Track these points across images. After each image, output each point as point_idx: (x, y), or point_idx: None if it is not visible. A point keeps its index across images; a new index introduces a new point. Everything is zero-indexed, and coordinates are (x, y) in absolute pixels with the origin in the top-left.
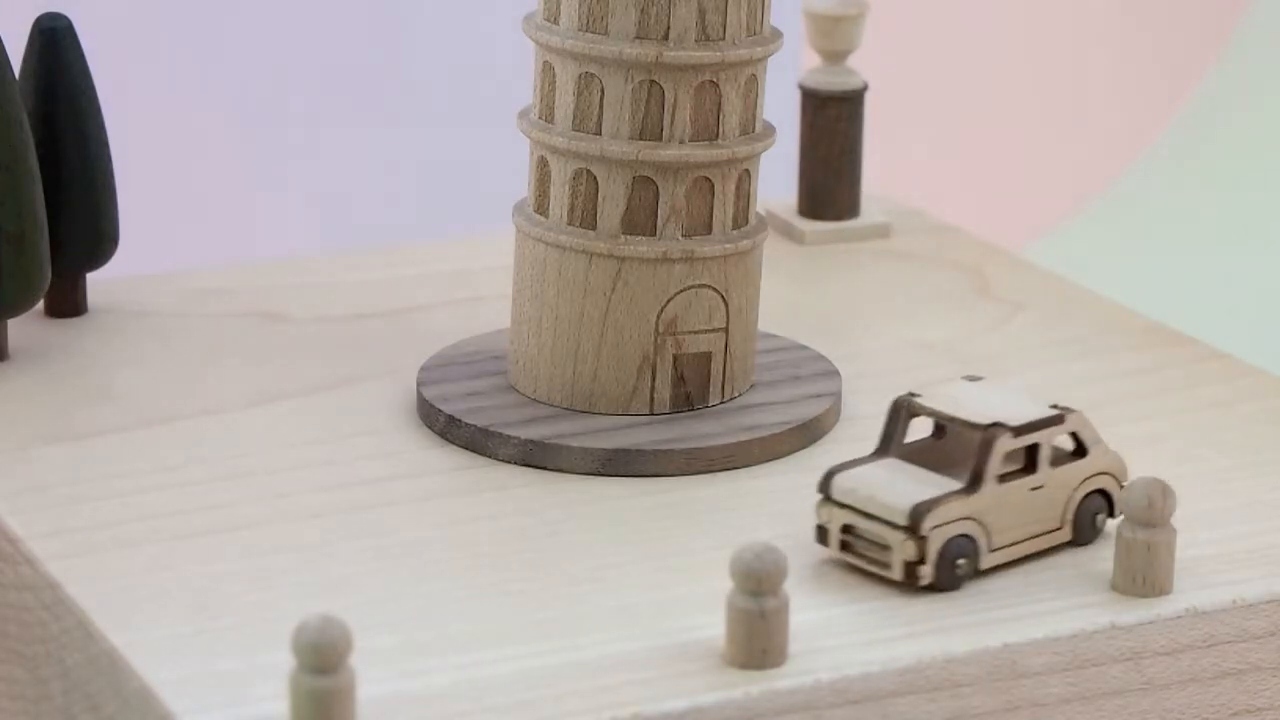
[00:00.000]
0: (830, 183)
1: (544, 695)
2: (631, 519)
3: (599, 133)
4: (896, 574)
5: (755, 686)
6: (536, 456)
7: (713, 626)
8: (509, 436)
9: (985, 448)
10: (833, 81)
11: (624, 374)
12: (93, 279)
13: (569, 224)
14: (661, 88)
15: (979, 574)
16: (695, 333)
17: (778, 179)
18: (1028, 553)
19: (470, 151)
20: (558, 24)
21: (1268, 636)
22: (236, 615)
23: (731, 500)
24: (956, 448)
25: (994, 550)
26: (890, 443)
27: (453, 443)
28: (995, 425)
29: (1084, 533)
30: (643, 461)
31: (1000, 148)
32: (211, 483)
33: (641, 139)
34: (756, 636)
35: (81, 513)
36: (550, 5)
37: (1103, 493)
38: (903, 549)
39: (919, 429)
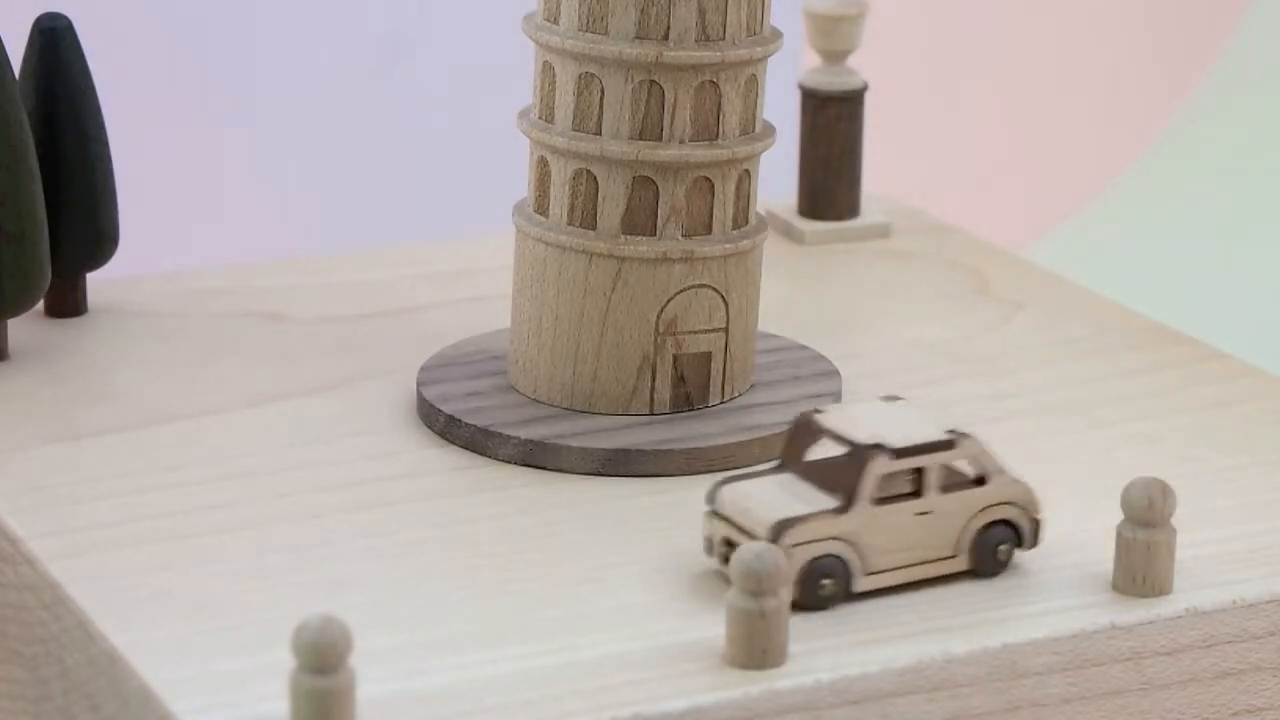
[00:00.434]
0: (830, 183)
1: (544, 695)
2: (631, 519)
3: (599, 133)
4: None
5: (755, 686)
6: (536, 456)
7: (713, 626)
8: (509, 436)
9: (859, 468)
10: (833, 81)
11: (624, 374)
12: (93, 279)
13: (569, 224)
14: (661, 88)
15: (852, 597)
16: (695, 333)
17: (778, 179)
18: (914, 579)
19: (470, 151)
20: (558, 24)
21: (1268, 636)
22: (236, 615)
23: None
24: (847, 467)
25: (871, 574)
26: (789, 459)
27: (453, 443)
28: (874, 446)
29: (985, 563)
30: (643, 461)
31: (1000, 148)
32: (211, 483)
33: (641, 139)
34: (756, 636)
35: (81, 513)
36: (550, 5)
37: (1009, 524)
38: None
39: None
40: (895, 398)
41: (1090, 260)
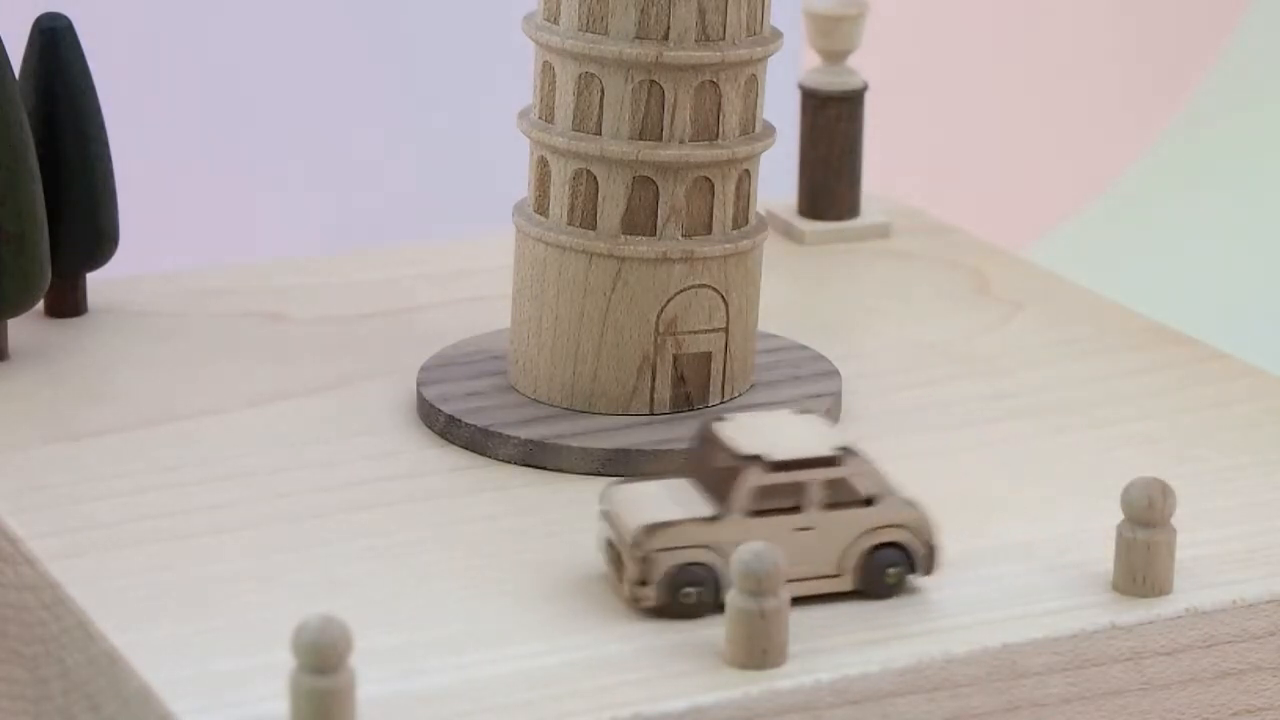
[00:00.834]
0: (830, 183)
1: (544, 695)
2: None
3: (599, 133)
4: (625, 593)
5: (755, 686)
6: (536, 456)
7: (713, 626)
8: (509, 436)
9: (732, 478)
10: (833, 81)
11: (624, 374)
12: (93, 279)
13: (569, 224)
14: (661, 88)
15: (722, 609)
16: (695, 333)
17: (778, 179)
18: (793, 595)
19: (470, 151)
20: (558, 24)
21: (1268, 636)
22: (236, 615)
23: None
24: (727, 477)
25: None
26: (691, 465)
27: (453, 443)
28: (751, 457)
29: (873, 585)
30: (643, 461)
31: (1000, 148)
32: (211, 483)
33: (641, 139)
34: (756, 636)
35: (81, 513)
36: (550, 5)
37: (900, 547)
38: (629, 568)
39: None
40: (808, 411)
41: (1090, 260)
